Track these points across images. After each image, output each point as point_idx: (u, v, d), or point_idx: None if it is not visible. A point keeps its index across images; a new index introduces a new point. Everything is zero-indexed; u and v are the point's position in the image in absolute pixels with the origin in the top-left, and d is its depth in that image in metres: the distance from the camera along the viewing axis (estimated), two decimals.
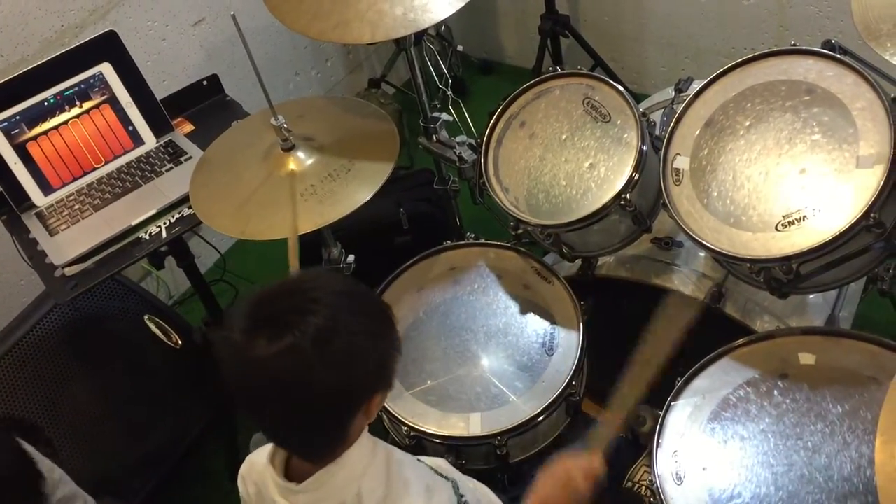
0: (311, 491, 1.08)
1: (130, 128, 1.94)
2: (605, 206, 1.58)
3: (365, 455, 1.10)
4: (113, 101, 1.91)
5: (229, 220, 1.62)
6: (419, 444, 1.59)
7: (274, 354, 0.98)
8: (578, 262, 1.83)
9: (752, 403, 1.40)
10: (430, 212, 2.34)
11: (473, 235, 1.89)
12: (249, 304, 1.03)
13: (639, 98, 1.78)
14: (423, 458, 1.22)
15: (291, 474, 1.12)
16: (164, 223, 1.79)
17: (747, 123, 1.50)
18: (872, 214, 1.32)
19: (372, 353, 1.05)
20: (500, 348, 1.67)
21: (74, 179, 1.90)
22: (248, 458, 1.24)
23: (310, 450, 1.09)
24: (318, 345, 0.98)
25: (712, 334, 1.52)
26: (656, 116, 1.85)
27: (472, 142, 1.95)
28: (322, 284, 1.05)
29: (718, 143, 1.52)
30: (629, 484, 1.60)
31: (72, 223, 1.81)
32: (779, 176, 1.44)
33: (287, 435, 1.08)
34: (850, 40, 1.51)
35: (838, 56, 1.44)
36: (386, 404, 1.56)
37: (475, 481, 1.28)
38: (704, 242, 1.46)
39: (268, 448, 1.18)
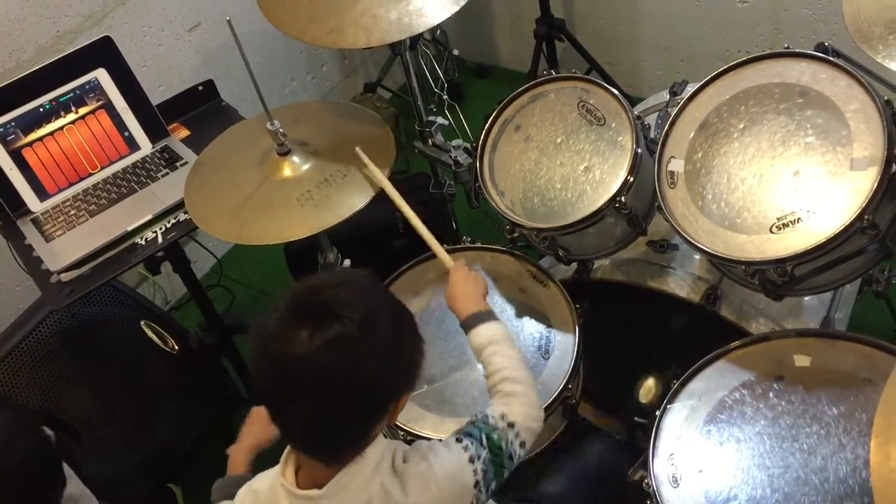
0: (333, 495, 1.07)
1: (126, 133, 1.94)
2: (600, 209, 1.58)
3: (380, 452, 1.11)
4: (108, 107, 1.91)
5: (225, 225, 1.62)
6: None
7: (320, 347, 0.99)
8: (574, 265, 1.83)
9: (747, 405, 1.40)
10: (427, 216, 2.33)
11: (469, 239, 1.89)
12: (287, 300, 1.04)
13: (633, 101, 1.79)
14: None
15: (302, 486, 1.10)
16: (160, 228, 1.78)
17: (741, 126, 1.51)
18: (866, 216, 1.32)
19: (406, 348, 1.09)
20: None
21: (70, 185, 1.89)
22: (243, 490, 1.20)
23: (334, 450, 1.08)
24: (365, 332, 1.00)
25: (708, 337, 1.53)
26: (651, 119, 1.86)
27: (468, 146, 1.95)
28: (354, 279, 1.09)
29: (713, 146, 1.52)
30: None
31: (67, 229, 1.81)
32: (773, 178, 1.45)
33: (314, 434, 1.06)
34: (844, 43, 1.51)
35: (832, 59, 1.45)
36: None
37: None
38: (699, 245, 1.46)
39: (266, 475, 1.17)
